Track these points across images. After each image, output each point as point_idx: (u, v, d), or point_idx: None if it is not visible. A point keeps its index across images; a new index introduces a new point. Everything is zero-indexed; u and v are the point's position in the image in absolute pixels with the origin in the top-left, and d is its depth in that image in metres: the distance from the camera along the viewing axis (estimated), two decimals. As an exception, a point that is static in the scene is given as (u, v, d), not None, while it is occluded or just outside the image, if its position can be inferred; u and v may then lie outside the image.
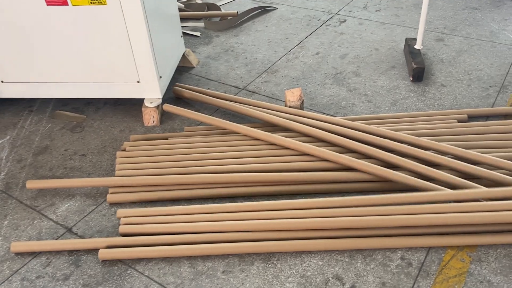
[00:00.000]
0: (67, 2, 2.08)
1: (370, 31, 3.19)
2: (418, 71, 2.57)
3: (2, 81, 2.36)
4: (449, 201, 1.69)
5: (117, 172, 2.02)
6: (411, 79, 2.61)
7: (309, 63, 2.88)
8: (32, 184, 1.98)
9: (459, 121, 2.22)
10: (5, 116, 2.51)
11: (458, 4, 3.47)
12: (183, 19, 3.46)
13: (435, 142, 1.96)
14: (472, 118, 2.26)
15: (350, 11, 3.49)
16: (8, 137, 2.36)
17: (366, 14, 3.43)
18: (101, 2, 2.08)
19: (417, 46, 2.76)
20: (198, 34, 3.31)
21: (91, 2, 2.08)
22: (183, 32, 3.22)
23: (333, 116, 2.36)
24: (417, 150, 1.94)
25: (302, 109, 2.37)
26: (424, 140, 1.99)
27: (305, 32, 3.24)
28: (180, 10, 3.54)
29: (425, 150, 1.96)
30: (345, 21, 3.35)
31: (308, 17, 3.45)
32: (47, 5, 2.09)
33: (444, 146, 1.94)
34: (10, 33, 2.20)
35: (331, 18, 3.41)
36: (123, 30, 2.17)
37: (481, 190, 1.72)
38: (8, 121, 2.47)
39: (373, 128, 2.09)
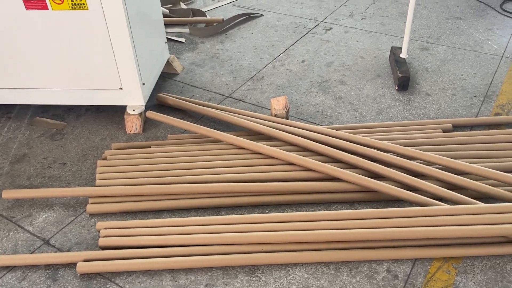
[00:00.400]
0: (47, 7, 2.03)
1: (355, 39, 3.19)
2: (403, 80, 2.57)
3: (-21, 87, 2.29)
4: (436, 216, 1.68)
5: (97, 182, 1.97)
6: (396, 88, 2.62)
7: (295, 70, 2.87)
8: (8, 194, 1.91)
9: (444, 131, 2.22)
10: (-19, 123, 2.43)
11: (442, 13, 3.50)
12: (167, 24, 3.42)
13: (421, 152, 1.96)
14: (457, 127, 2.27)
15: (336, 19, 3.49)
16: (-16, 145, 2.29)
17: (352, 22, 3.44)
18: (82, 7, 2.03)
19: (402, 55, 2.76)
20: (183, 40, 3.27)
21: (72, 7, 2.03)
22: (168, 38, 3.18)
23: (318, 125, 2.34)
24: (402, 160, 1.93)
25: (288, 118, 2.35)
26: (409, 150, 1.98)
27: (291, 40, 3.23)
28: (165, 15, 3.50)
29: (410, 160, 1.95)
30: (331, 29, 3.35)
31: (294, 24, 3.44)
32: (27, 9, 2.04)
33: (429, 156, 1.94)
34: (-12, 37, 2.13)
35: (317, 25, 3.41)
36: (105, 35, 2.12)
37: (468, 207, 1.72)
38: (-16, 128, 2.40)
39: (358, 137, 2.08)
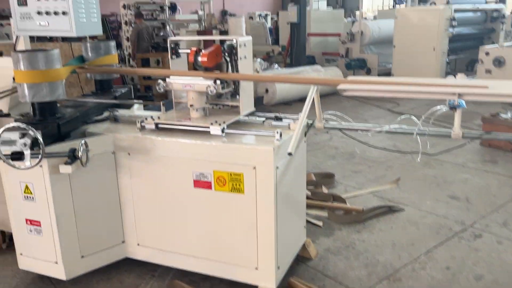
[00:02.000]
0: (211, 187, 2.33)
1: (511, 253, 2.87)
2: None
3: (138, 244, 2.59)
4: None
5: None
6: None
7: (437, 278, 2.63)
8: None
9: None
10: (130, 276, 2.67)
11: None
12: (307, 206, 3.56)
13: None
14: None
15: (487, 225, 3.25)
16: (126, 299, 2.48)
17: (506, 232, 3.15)
18: (239, 191, 2.28)
19: None
20: (320, 224, 3.34)
21: (231, 190, 2.29)
22: (306, 220, 3.28)
23: None
24: None
25: (428, 336, 2.08)
26: None
27: (434, 241, 3.05)
28: (306, 197, 3.68)
29: None
30: (480, 236, 3.11)
31: (437, 224, 3.29)
32: (194, 187, 2.36)
33: None
34: (157, 204, 2.48)
35: (464, 230, 3.20)
36: (253, 217, 2.30)
37: None
38: (131, 282, 2.62)
39: None
